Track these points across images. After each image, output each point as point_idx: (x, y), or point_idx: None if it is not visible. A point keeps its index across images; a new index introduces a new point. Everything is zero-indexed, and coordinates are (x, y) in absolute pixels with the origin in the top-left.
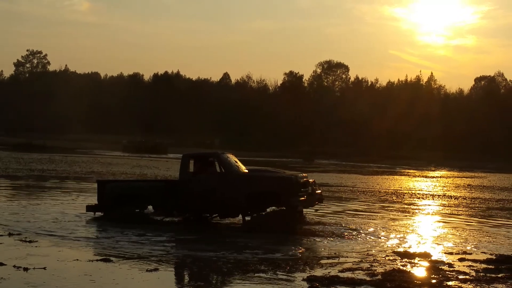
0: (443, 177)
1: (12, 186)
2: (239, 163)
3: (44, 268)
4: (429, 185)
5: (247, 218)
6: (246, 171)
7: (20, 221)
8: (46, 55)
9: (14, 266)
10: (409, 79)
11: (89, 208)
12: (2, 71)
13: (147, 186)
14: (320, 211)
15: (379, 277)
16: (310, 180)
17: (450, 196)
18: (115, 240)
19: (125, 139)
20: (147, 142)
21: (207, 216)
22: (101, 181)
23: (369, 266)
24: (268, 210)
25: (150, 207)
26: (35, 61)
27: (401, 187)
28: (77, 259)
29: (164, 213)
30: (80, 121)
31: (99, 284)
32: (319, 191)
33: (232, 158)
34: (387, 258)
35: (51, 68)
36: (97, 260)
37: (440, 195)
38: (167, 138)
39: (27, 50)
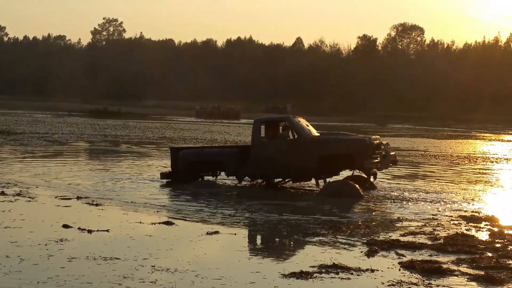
0: None
1: (85, 150)
2: (311, 127)
3: (107, 231)
4: (504, 149)
5: (320, 182)
6: (318, 134)
7: (90, 185)
8: (121, 22)
9: (79, 228)
10: (487, 41)
11: (163, 175)
12: (80, 39)
13: (220, 152)
14: (389, 175)
15: (441, 241)
16: (384, 142)
17: None
18: (181, 204)
19: (198, 105)
20: (219, 108)
21: (280, 180)
22: (174, 148)
23: (432, 230)
24: (341, 173)
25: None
26: (111, 28)
27: (474, 151)
28: (140, 222)
29: (237, 178)
30: (154, 87)
31: (155, 245)
32: (393, 153)
33: (304, 122)
34: (451, 223)
35: (126, 35)
36: (159, 223)
37: None
38: (240, 103)
39: (104, 18)
